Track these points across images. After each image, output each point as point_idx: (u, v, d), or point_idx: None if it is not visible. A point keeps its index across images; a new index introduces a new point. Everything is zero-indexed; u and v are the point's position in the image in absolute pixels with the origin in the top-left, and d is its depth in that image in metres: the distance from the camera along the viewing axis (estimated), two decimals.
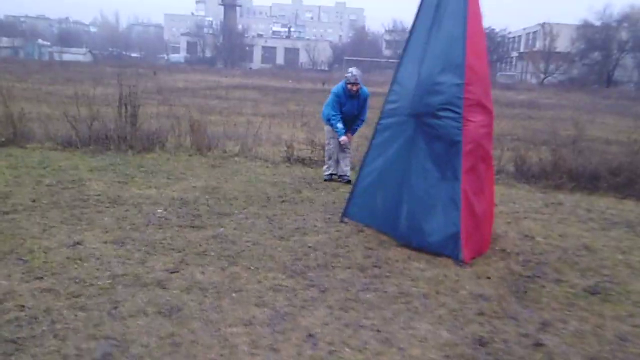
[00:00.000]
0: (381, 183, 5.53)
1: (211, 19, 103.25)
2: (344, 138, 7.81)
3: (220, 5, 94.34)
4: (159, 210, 5.98)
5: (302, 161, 9.25)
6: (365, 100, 7.87)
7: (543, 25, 59.20)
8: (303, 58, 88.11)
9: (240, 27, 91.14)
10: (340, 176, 8.09)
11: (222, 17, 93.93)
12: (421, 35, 5.24)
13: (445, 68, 4.99)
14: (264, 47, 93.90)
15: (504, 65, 73.09)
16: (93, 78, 27.92)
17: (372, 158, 5.67)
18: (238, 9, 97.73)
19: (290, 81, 42.63)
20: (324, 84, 38.64)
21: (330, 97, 7.77)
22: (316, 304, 3.89)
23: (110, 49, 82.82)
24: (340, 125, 7.73)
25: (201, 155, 9.30)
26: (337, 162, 8.09)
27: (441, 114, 4.97)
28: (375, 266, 4.67)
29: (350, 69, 7.72)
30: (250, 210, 6.24)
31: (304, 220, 5.96)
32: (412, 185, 5.19)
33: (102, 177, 7.38)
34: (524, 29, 74.04)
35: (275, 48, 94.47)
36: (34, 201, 6.04)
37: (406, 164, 5.27)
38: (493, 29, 66.04)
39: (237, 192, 7.03)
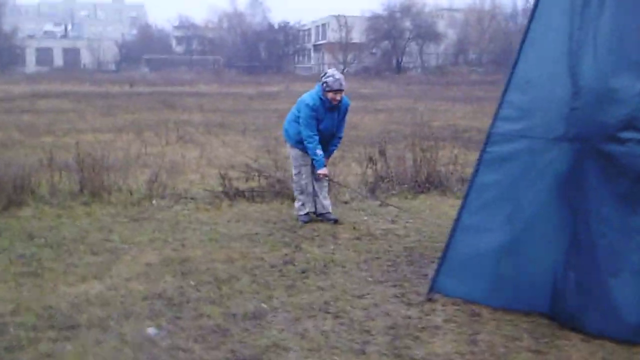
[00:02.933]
0: (510, 241, 3.77)
1: None
2: (324, 170, 5.84)
3: None
4: (150, 330, 3.53)
5: (243, 194, 7.02)
6: (346, 111, 5.97)
7: (337, 17, 60.81)
8: (85, 58, 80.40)
9: (5, 27, 79.81)
10: (321, 214, 6.10)
11: None
12: (560, 17, 3.56)
13: (620, 66, 3.39)
14: (37, 49, 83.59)
15: (300, 57, 74.06)
16: None
17: (479, 204, 3.87)
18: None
19: (88, 84, 37.88)
20: (131, 86, 35.14)
21: (304, 111, 5.70)
22: None
23: None
24: (319, 152, 5.74)
25: (100, 202, 6.57)
26: (313, 195, 6.09)
27: (623, 135, 3.36)
28: None
29: (330, 71, 5.74)
30: (278, 298, 4.04)
31: (375, 305, 3.96)
32: (580, 243, 3.53)
33: None
34: (313, 21, 75.79)
35: (51, 49, 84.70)
36: None
37: (563, 212, 3.58)
38: (287, 22, 66.40)
39: (220, 264, 4.72)
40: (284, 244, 5.29)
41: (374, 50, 61.79)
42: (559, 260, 3.62)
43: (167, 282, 4.31)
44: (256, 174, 7.39)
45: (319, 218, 6.09)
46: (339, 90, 5.57)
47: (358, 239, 5.48)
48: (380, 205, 6.74)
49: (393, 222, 6.09)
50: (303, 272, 4.57)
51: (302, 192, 6.02)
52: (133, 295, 4.04)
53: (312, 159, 5.80)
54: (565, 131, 3.52)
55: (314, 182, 6.05)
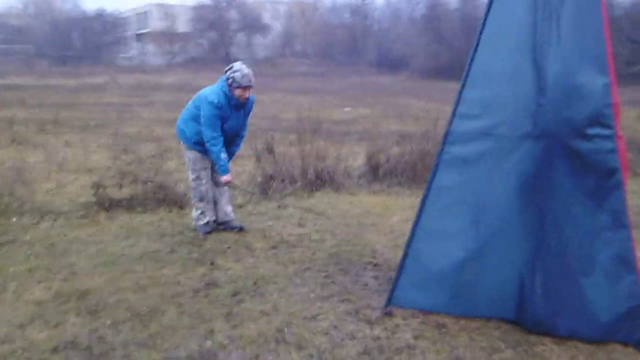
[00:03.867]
0: (474, 246, 3.54)
1: None
2: (228, 177, 5.22)
3: None
4: None
5: (120, 204, 6.11)
6: (251, 109, 5.40)
7: (161, 5, 58.16)
8: None
9: None
10: (223, 222, 5.47)
11: None
12: (522, 8, 3.37)
13: (584, 60, 3.29)
14: None
15: (120, 47, 69.70)
16: None
17: (439, 207, 3.59)
18: None
19: None
20: None
21: (207, 109, 4.98)
22: None
23: None
24: (224, 156, 5.10)
25: None
26: (214, 202, 5.44)
27: (590, 131, 3.27)
28: None
29: (237, 65, 5.06)
30: (221, 332, 3.43)
31: (335, 327, 3.52)
32: (549, 244, 3.40)
33: None
34: (133, 9, 71.83)
35: None
36: None
37: (530, 213, 3.43)
38: (104, 9, 62.17)
39: (130, 294, 3.94)
40: (195, 261, 4.62)
41: (200, 41, 60.20)
42: (525, 264, 3.48)
43: (74, 324, 3.47)
44: (131, 179, 6.48)
45: (221, 227, 5.46)
46: (248, 87, 4.99)
47: (275, 248, 4.98)
48: (279, 207, 6.29)
49: (301, 225, 5.67)
50: (234, 294, 3.98)
51: (201, 199, 5.34)
52: (37, 348, 3.17)
53: (216, 164, 5.15)
54: (533, 128, 3.36)
55: (214, 188, 5.41)
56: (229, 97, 5.02)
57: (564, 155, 3.33)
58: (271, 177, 7.05)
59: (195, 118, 5.13)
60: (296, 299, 3.91)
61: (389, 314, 3.68)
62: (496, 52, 3.45)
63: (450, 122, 3.53)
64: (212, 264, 4.55)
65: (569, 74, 3.28)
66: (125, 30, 70.40)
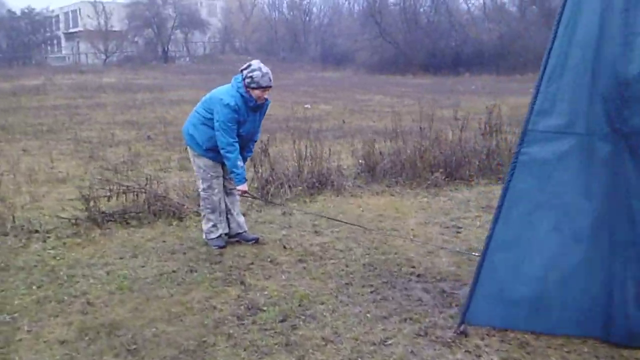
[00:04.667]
0: (557, 256, 3.25)
1: None
2: (244, 187, 4.77)
3: None
4: None
5: (112, 217, 5.53)
6: (266, 110, 4.96)
7: (94, 3, 55.83)
8: None
9: None
10: (238, 234, 5.02)
11: None
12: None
13: None
14: None
15: (49, 47, 66.69)
16: None
17: (518, 214, 3.28)
18: None
19: None
20: None
21: (223, 113, 4.50)
22: None
23: None
24: (241, 164, 4.66)
25: None
26: (227, 213, 4.98)
27: None
28: None
29: (255, 64, 4.59)
30: None
31: (413, 354, 3.16)
32: None
33: None
34: (61, 8, 68.84)
35: None
36: None
37: (620, 219, 3.16)
38: (33, 8, 59.24)
39: (165, 325, 3.45)
40: (222, 281, 4.15)
41: (136, 39, 58.27)
42: (615, 273, 3.21)
43: None
44: (120, 189, 5.90)
45: (234, 239, 5.01)
46: (268, 87, 4.56)
47: (302, 261, 4.57)
48: (284, 214, 5.87)
49: (318, 233, 5.28)
50: (283, 320, 3.55)
51: (213, 211, 4.86)
52: None
53: (231, 172, 4.69)
54: (620, 125, 3.10)
55: (225, 197, 4.95)
56: (246, 98, 4.58)
57: None
58: (267, 181, 6.61)
59: (207, 123, 4.66)
60: (353, 321, 3.53)
61: (463, 334, 3.35)
62: (575, 43, 3.15)
63: (528, 120, 3.22)
64: (242, 283, 4.10)
65: None
66: (54, 30, 67.42)
